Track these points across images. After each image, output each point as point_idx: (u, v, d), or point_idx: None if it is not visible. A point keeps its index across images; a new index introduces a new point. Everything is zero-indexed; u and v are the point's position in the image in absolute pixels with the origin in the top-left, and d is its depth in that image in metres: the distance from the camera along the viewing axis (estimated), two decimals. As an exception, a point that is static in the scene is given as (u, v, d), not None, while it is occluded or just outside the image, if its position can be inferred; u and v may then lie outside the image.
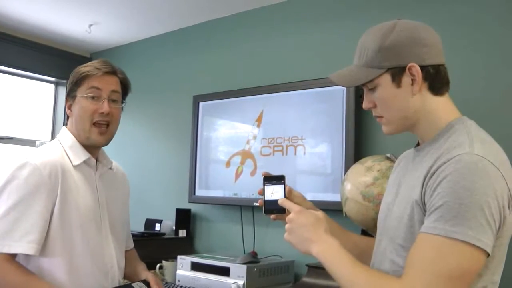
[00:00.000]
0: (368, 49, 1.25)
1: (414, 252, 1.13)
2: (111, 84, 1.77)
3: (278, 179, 1.44)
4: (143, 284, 1.79)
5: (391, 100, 1.25)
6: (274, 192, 1.43)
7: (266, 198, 1.43)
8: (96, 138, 1.75)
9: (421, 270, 1.09)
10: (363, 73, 1.25)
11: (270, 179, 1.45)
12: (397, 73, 1.22)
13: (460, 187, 1.06)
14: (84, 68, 1.77)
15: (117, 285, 1.78)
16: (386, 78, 1.23)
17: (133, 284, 1.77)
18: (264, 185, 1.44)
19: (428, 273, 1.08)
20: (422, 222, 1.14)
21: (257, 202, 1.46)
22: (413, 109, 1.24)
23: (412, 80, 1.21)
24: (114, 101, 1.78)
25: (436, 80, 1.23)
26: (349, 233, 1.54)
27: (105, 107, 1.73)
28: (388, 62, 1.22)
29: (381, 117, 1.29)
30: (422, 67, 1.21)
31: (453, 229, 1.06)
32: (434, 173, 1.12)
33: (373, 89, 1.26)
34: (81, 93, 1.75)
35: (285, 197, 1.42)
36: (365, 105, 1.31)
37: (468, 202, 1.05)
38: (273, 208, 1.42)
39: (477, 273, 1.10)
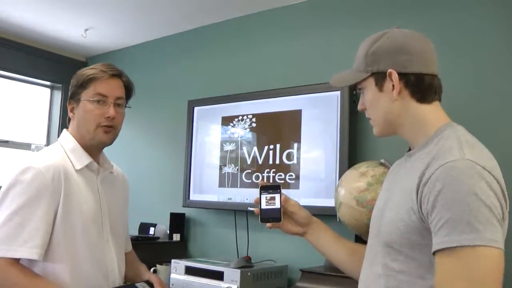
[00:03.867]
0: (359, 54, 1.34)
1: (438, 276, 1.10)
2: (116, 89, 1.78)
3: (274, 188, 1.48)
4: (146, 285, 1.80)
5: (375, 103, 1.32)
6: (270, 201, 1.46)
7: (262, 207, 1.46)
8: (101, 137, 1.75)
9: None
10: (352, 75, 1.35)
11: (266, 188, 1.48)
12: (379, 78, 1.29)
13: (464, 194, 1.06)
14: (89, 71, 1.76)
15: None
16: (371, 82, 1.31)
17: (136, 284, 1.78)
18: (260, 194, 1.47)
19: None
20: (418, 227, 1.14)
21: (251, 207, 1.49)
22: (395, 113, 1.29)
23: (392, 85, 1.26)
24: (118, 105, 1.79)
25: (418, 88, 1.26)
26: (345, 240, 1.56)
27: (111, 112, 1.74)
28: (371, 67, 1.30)
29: (370, 119, 1.37)
30: (403, 74, 1.25)
31: (471, 236, 1.05)
32: (428, 179, 1.13)
33: (362, 91, 1.35)
34: (86, 96, 1.74)
35: (281, 206, 1.45)
36: (359, 106, 1.39)
37: (477, 206, 1.05)
38: (269, 217, 1.45)
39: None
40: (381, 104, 1.30)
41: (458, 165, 1.10)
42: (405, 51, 1.26)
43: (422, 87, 1.27)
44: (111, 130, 1.77)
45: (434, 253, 1.11)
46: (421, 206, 1.14)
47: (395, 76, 1.25)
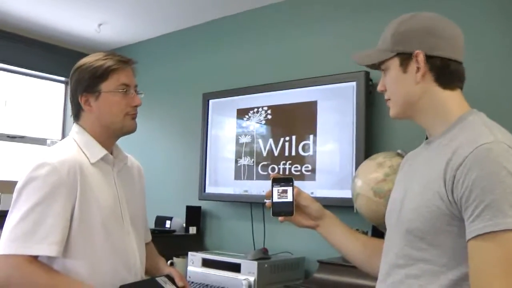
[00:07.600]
0: (386, 34, 1.32)
1: (476, 262, 1.07)
2: (133, 78, 1.80)
3: (287, 181, 1.47)
4: (167, 279, 1.78)
5: (397, 84, 1.30)
6: (282, 194, 1.45)
7: (274, 200, 1.45)
8: (130, 124, 1.77)
9: (493, 276, 1.04)
10: (377, 54, 1.33)
11: (278, 181, 1.47)
12: (404, 59, 1.27)
13: (505, 176, 1.04)
14: (105, 62, 1.74)
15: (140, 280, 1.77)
16: (395, 62, 1.29)
17: (157, 279, 1.76)
18: (272, 187, 1.46)
19: (504, 277, 1.02)
20: (444, 213, 1.12)
21: (267, 200, 1.48)
22: (416, 96, 1.27)
23: (417, 67, 1.25)
24: (138, 92, 1.81)
25: (443, 73, 1.25)
26: (358, 234, 1.56)
27: (138, 100, 1.77)
28: (397, 47, 1.28)
29: (389, 99, 1.34)
30: (429, 57, 1.24)
31: None
32: (462, 163, 1.10)
33: (384, 71, 1.33)
34: (108, 88, 1.73)
35: (293, 199, 1.44)
36: (379, 87, 1.37)
37: None
38: (281, 210, 1.44)
39: None
40: (403, 86, 1.28)
41: (494, 147, 1.08)
42: (434, 34, 1.25)
43: (447, 72, 1.25)
44: (136, 116, 1.79)
45: (470, 238, 1.07)
46: (452, 191, 1.11)
47: (421, 57, 1.23)
